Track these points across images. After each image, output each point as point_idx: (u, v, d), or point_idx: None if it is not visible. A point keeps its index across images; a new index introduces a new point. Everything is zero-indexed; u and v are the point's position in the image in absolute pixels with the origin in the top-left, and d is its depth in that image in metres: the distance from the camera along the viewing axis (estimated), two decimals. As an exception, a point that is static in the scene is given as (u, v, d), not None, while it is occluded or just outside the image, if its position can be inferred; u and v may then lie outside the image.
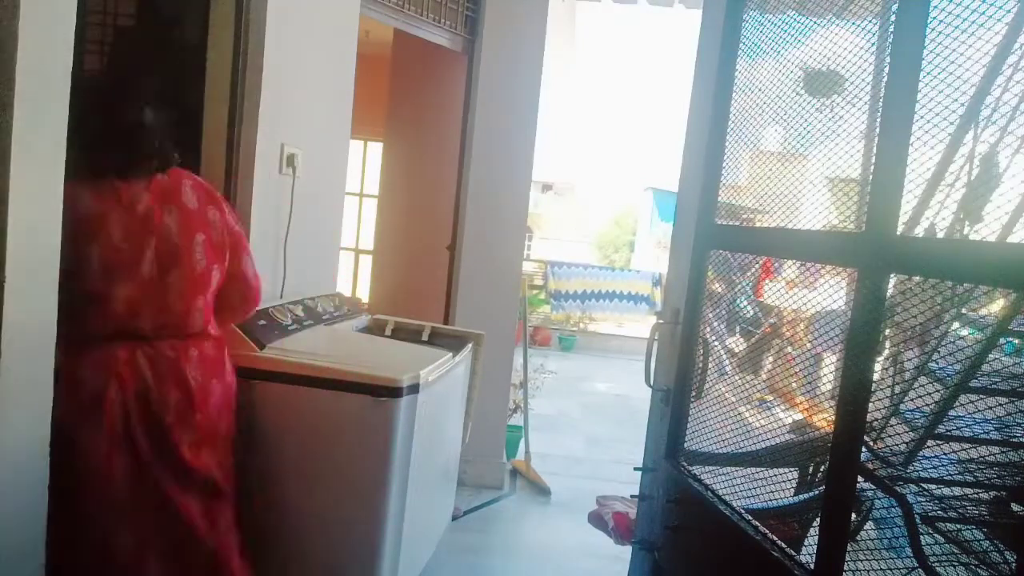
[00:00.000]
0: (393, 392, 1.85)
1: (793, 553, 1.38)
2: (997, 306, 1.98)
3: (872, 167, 1.25)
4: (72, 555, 1.51)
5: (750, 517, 1.54)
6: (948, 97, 1.18)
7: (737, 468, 1.75)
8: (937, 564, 1.56)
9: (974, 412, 1.85)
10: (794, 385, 2.08)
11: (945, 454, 1.84)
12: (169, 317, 1.62)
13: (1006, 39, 1.58)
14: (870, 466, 1.81)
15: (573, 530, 3.18)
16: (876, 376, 1.33)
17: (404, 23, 3.28)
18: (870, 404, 1.23)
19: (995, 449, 1.81)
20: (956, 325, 2.04)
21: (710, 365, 1.88)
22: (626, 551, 2.24)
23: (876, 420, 1.94)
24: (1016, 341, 2.11)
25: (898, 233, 1.23)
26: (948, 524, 1.76)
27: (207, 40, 2.06)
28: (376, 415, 1.85)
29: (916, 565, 1.54)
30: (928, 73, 1.17)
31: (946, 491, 1.84)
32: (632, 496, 2.27)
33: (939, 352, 1.98)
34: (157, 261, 1.59)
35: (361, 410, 1.85)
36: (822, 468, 1.89)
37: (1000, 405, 1.84)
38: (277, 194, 2.24)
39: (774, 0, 1.76)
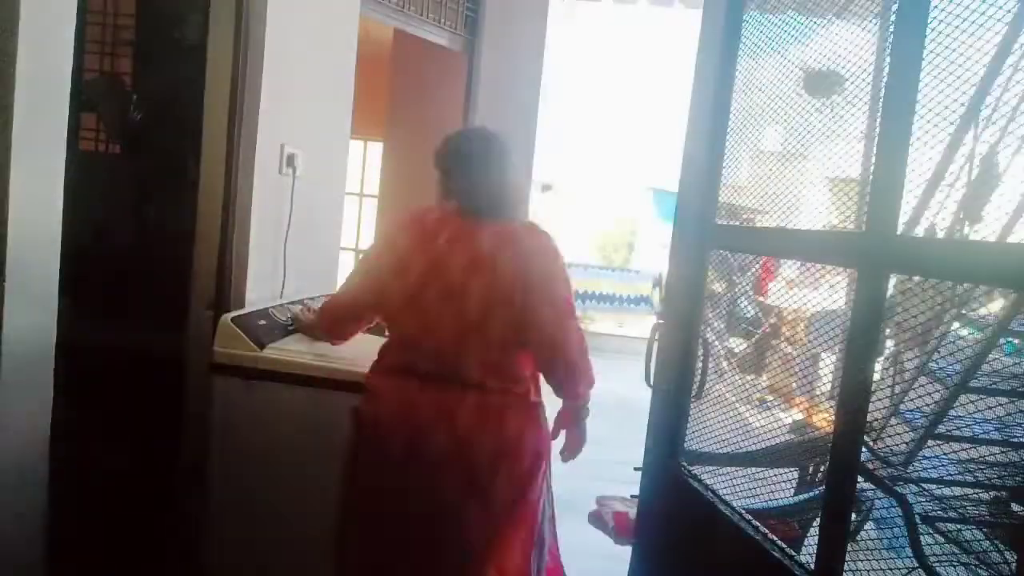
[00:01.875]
0: (393, 392, 1.85)
1: (793, 553, 1.38)
2: (997, 306, 1.98)
3: (872, 167, 1.25)
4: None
5: (750, 517, 1.54)
6: (948, 97, 1.18)
7: (737, 468, 1.75)
8: (937, 564, 1.56)
9: (974, 412, 1.85)
10: (794, 385, 2.09)
11: (945, 454, 1.84)
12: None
13: (1006, 39, 1.58)
14: (870, 466, 1.81)
15: (573, 530, 3.17)
16: (876, 376, 1.33)
17: (404, 23, 3.28)
18: (870, 404, 1.23)
19: (995, 449, 1.81)
20: (956, 325, 2.04)
21: (710, 365, 1.88)
22: (626, 551, 2.23)
23: (876, 420, 1.94)
24: (1016, 341, 2.10)
25: (898, 233, 1.23)
26: (948, 524, 1.76)
27: (207, 40, 2.06)
28: (376, 415, 1.85)
29: (916, 565, 1.55)
30: (928, 73, 1.17)
31: (946, 491, 1.84)
32: (632, 496, 2.26)
33: (939, 352, 1.98)
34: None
35: (361, 410, 1.85)
36: (822, 468, 1.89)
37: (1000, 405, 1.84)
38: (277, 194, 2.24)
39: (774, 0, 1.76)
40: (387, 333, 1.68)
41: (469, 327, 1.54)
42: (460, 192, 1.66)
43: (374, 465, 1.58)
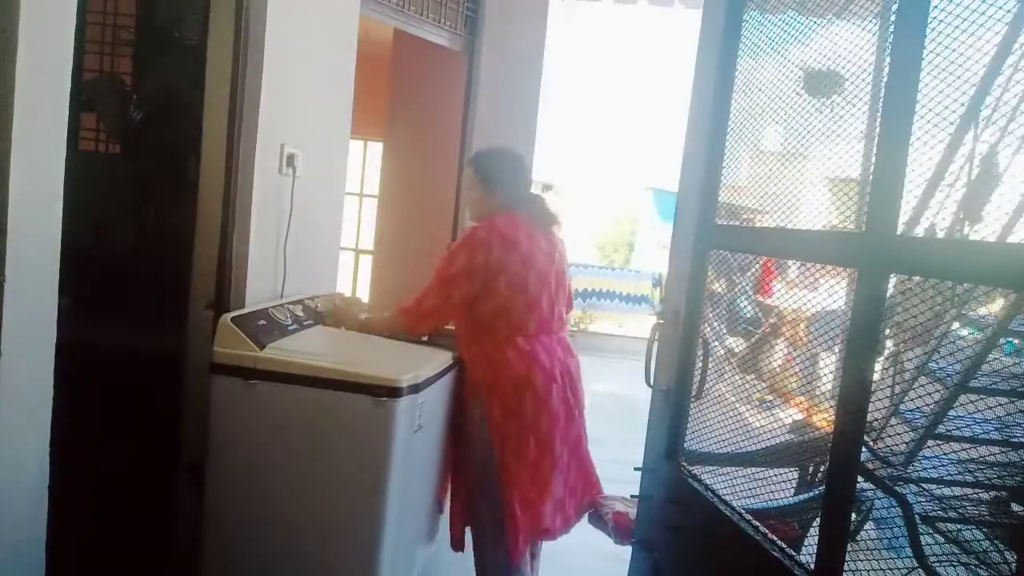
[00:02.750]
0: (393, 392, 1.85)
1: (793, 553, 1.38)
2: (997, 306, 1.98)
3: (872, 167, 1.25)
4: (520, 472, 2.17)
5: (750, 517, 1.54)
6: (948, 97, 1.18)
7: (737, 468, 1.75)
8: (937, 564, 1.56)
9: (974, 412, 1.85)
10: (794, 385, 2.08)
11: (945, 454, 1.84)
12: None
13: (1006, 39, 1.58)
14: (870, 466, 1.81)
15: (573, 530, 3.17)
16: (876, 376, 1.33)
17: (404, 23, 3.28)
18: (870, 404, 1.23)
19: (995, 449, 1.81)
20: (956, 325, 2.04)
21: (710, 365, 1.88)
22: (626, 551, 2.23)
23: (876, 420, 1.94)
24: (1016, 341, 2.11)
25: (898, 233, 1.23)
26: (948, 524, 1.76)
27: (207, 40, 2.06)
28: (376, 415, 1.85)
29: (916, 565, 1.55)
30: (928, 73, 1.17)
31: (946, 491, 1.84)
32: (632, 496, 2.26)
33: (939, 352, 1.98)
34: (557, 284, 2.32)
35: (361, 410, 1.85)
36: (822, 468, 1.89)
37: (1000, 405, 1.84)
38: (277, 194, 2.24)
39: (774, 0, 1.76)
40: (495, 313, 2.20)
41: (567, 296, 2.37)
42: (524, 202, 2.29)
43: (547, 397, 2.19)
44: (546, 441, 2.19)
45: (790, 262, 2.07)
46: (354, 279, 6.10)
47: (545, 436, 2.19)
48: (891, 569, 1.51)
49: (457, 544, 2.33)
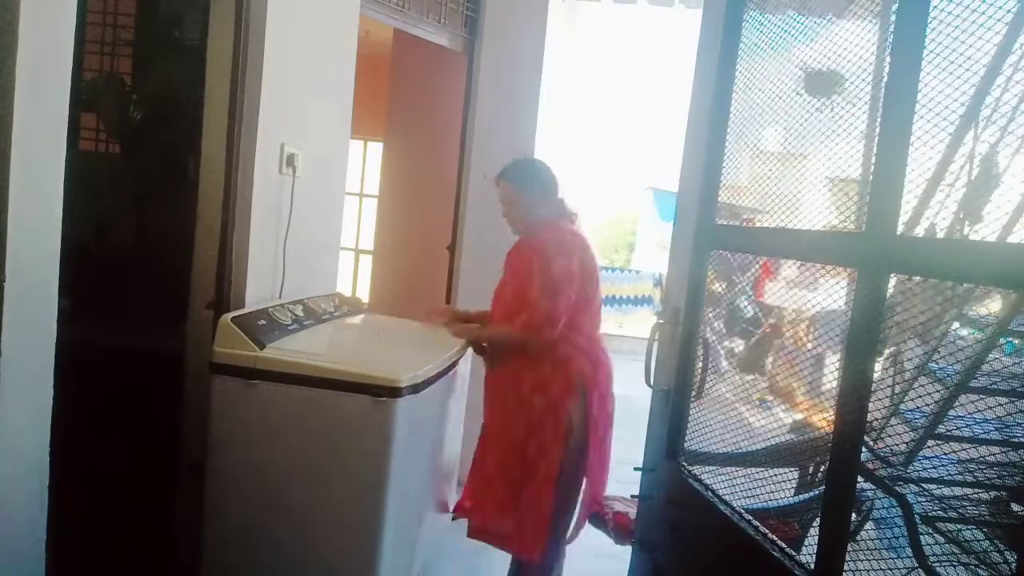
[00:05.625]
0: (393, 392, 1.85)
1: (793, 553, 1.37)
2: (997, 306, 1.98)
3: (872, 167, 1.25)
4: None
5: (750, 517, 1.54)
6: (948, 97, 1.17)
7: (737, 468, 1.75)
8: (937, 564, 1.56)
9: (974, 412, 1.85)
10: (794, 385, 2.08)
11: (945, 454, 1.84)
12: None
13: (1006, 39, 1.58)
14: (870, 466, 1.81)
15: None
16: (876, 376, 1.33)
17: (404, 23, 3.28)
18: (870, 404, 1.23)
19: (995, 449, 1.81)
20: (956, 325, 2.04)
21: (710, 365, 1.88)
22: (626, 551, 2.23)
23: (876, 420, 1.94)
24: (1016, 341, 2.11)
25: (898, 233, 1.23)
26: (948, 524, 1.76)
27: (207, 40, 2.06)
28: (376, 415, 1.85)
29: (916, 565, 1.55)
30: (928, 73, 1.17)
31: (946, 491, 1.84)
32: (632, 496, 2.26)
33: (939, 352, 1.98)
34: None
35: (361, 410, 1.85)
36: (822, 468, 1.89)
37: (1000, 405, 1.84)
38: (277, 194, 2.24)
39: (774, 0, 1.76)
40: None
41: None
42: (563, 208, 2.33)
43: (605, 406, 2.27)
44: (607, 437, 2.34)
45: (784, 264, 2.08)
46: (354, 279, 6.10)
47: (607, 433, 2.33)
48: (891, 569, 1.51)
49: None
